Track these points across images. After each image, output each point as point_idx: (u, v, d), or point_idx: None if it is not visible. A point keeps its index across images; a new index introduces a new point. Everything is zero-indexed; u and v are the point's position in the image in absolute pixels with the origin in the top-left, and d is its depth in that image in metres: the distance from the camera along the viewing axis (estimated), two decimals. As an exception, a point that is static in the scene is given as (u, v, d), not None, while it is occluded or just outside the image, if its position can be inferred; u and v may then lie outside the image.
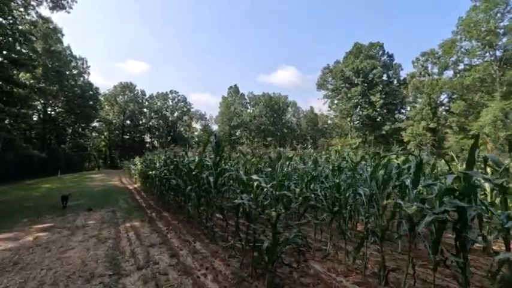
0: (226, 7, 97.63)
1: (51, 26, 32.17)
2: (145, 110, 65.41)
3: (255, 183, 4.29)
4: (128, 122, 62.73)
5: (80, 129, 50.47)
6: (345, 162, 6.31)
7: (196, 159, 8.10)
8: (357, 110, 47.82)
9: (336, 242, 5.26)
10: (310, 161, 7.69)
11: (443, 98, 40.96)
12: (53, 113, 45.31)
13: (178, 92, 68.09)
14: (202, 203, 6.61)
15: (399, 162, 5.01)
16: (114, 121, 59.69)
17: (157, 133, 67.48)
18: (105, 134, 60.24)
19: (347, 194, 4.51)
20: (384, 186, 3.82)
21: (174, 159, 8.97)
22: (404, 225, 3.99)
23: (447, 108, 40.03)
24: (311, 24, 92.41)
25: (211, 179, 5.65)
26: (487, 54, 33.35)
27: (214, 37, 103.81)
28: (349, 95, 47.53)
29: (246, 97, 75.13)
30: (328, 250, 4.93)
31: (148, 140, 68.66)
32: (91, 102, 47.77)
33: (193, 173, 6.44)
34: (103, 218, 8.52)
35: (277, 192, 3.92)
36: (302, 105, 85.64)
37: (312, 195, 5.15)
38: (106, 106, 58.98)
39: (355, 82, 48.33)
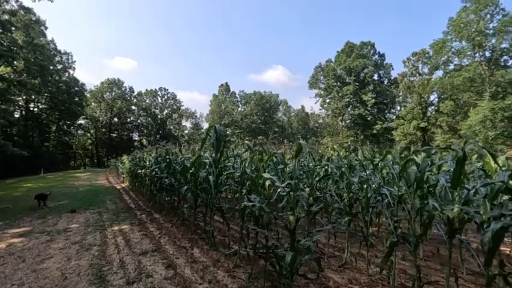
0: (216, 6, 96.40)
1: (33, 18, 30.61)
2: (133, 107, 63.79)
3: (267, 183, 3.73)
4: (116, 119, 61.01)
5: (65, 127, 48.64)
6: (356, 160, 5.79)
7: (191, 156, 7.48)
8: (349, 109, 47.87)
9: (353, 247, 4.74)
10: (314, 159, 7.18)
11: (433, 98, 41.52)
12: (35, 109, 43.39)
13: (167, 89, 66.82)
14: (199, 204, 5.99)
15: (418, 160, 4.53)
16: (101, 118, 57.88)
17: (145, 131, 65.95)
18: (92, 131, 58.36)
19: (369, 195, 3.99)
20: (418, 185, 3.31)
21: (167, 157, 8.27)
22: (440, 230, 3.50)
23: (436, 108, 40.53)
24: (300, 24, 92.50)
25: (211, 178, 5.04)
26: (477, 54, 33.80)
27: (203, 36, 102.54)
28: (340, 94, 47.52)
29: (237, 95, 74.45)
30: (345, 258, 4.40)
31: (136, 138, 67.03)
32: (76, 99, 46.04)
33: (190, 171, 5.79)
34: (88, 220, 7.75)
35: (294, 194, 3.35)
36: (292, 104, 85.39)
37: (326, 196, 4.62)
38: (93, 103, 57.11)
39: (347, 81, 48.40)
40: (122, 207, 9.80)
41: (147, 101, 65.47)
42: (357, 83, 47.25)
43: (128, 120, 63.14)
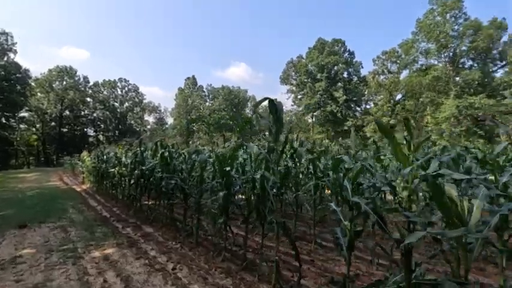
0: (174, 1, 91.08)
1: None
2: (88, 99, 57.33)
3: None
4: (67, 112, 54.25)
5: (4, 120, 41.66)
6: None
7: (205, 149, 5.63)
8: (321, 106, 47.98)
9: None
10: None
11: (399, 96, 43.24)
12: (-36, 98, 36.37)
13: (128, 81, 61.18)
14: (231, 217, 4.16)
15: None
16: (49, 111, 50.89)
17: (103, 126, 59.80)
18: (38, 126, 51.16)
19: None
20: None
21: (165, 151, 6.18)
22: None
23: (403, 106, 42.27)
24: (263, 23, 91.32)
25: (271, 178, 3.24)
26: (443, 55, 35.59)
27: (162, 30, 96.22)
28: (313, 91, 47.44)
29: (205, 89, 71.31)
30: None
31: (92, 133, 60.62)
32: (18, 87, 39.59)
33: (226, 169, 3.91)
34: (48, 241, 5.38)
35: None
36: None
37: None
38: (39, 93, 49.97)
39: (318, 77, 48.45)
40: (94, 218, 7.41)
41: (105, 92, 59.30)
42: (328, 80, 47.50)
43: (82, 113, 56.61)
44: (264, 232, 3.53)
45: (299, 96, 52.28)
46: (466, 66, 36.61)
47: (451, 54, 34.88)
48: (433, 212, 3.17)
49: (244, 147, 6.75)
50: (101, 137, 61.20)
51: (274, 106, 3.42)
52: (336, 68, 47.93)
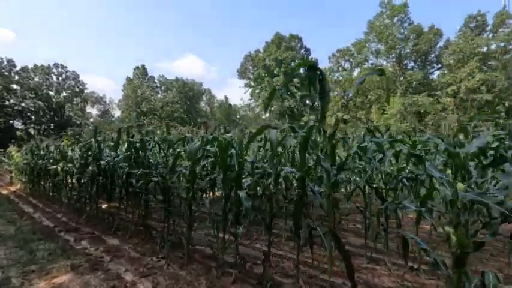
0: None
1: None
2: (14, 86, 49.13)
3: None
4: (-14, 101, 45.82)
5: None
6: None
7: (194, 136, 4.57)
8: (279, 101, 48.28)
9: None
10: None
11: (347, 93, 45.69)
12: None
13: (66, 67, 54.00)
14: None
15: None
16: (-40, 99, 42.36)
17: (34, 117, 51.92)
18: None
19: None
20: None
21: (135, 140, 4.83)
22: None
23: (354, 102, 44.75)
24: (216, 14, 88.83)
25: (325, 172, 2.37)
26: (390, 56, 38.29)
27: (100, 14, 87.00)
28: (271, 85, 47.45)
29: (156, 80, 66.80)
30: None
31: (20, 126, 52.32)
32: None
33: (239, 160, 2.90)
34: (-40, 270, 3.73)
35: None
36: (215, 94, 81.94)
37: None
38: None
39: (276, 72, 48.59)
40: (32, 229, 5.66)
41: (37, 79, 51.45)
42: (285, 75, 47.97)
43: (7, 103, 48.34)
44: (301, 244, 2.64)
45: (256, 91, 51.93)
46: (408, 67, 40.00)
47: (397, 55, 37.71)
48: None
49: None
50: (32, 131, 53.24)
51: (318, 74, 2.55)
52: (292, 63, 48.57)
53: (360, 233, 5.03)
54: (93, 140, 6.31)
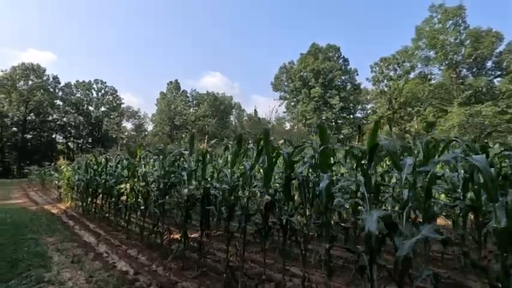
0: (148, 5, 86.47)
1: None
2: (58, 102, 51.25)
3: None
4: (32, 116, 47.86)
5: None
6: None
7: None
8: (317, 113, 46.08)
9: None
10: None
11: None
12: None
13: (105, 83, 55.78)
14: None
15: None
16: (10, 114, 44.41)
17: (74, 132, 53.56)
18: (-5, 131, 44.41)
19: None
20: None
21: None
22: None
23: (401, 113, 41.41)
24: (237, 33, 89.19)
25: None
26: (443, 63, 35.00)
27: (131, 36, 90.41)
28: (309, 97, 45.54)
29: (189, 95, 67.32)
30: None
31: (61, 140, 54.18)
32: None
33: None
34: None
35: None
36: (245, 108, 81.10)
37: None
38: (-1, 93, 43.62)
39: (312, 84, 46.64)
40: (107, 279, 3.89)
41: (78, 95, 53.43)
42: (323, 87, 45.88)
43: (50, 118, 50.31)
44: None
45: (292, 103, 50.16)
46: (463, 75, 36.34)
47: (451, 62, 34.35)
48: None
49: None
50: (71, 144, 54.94)
51: None
52: (331, 74, 46.48)
53: None
54: (186, 152, 4.56)
